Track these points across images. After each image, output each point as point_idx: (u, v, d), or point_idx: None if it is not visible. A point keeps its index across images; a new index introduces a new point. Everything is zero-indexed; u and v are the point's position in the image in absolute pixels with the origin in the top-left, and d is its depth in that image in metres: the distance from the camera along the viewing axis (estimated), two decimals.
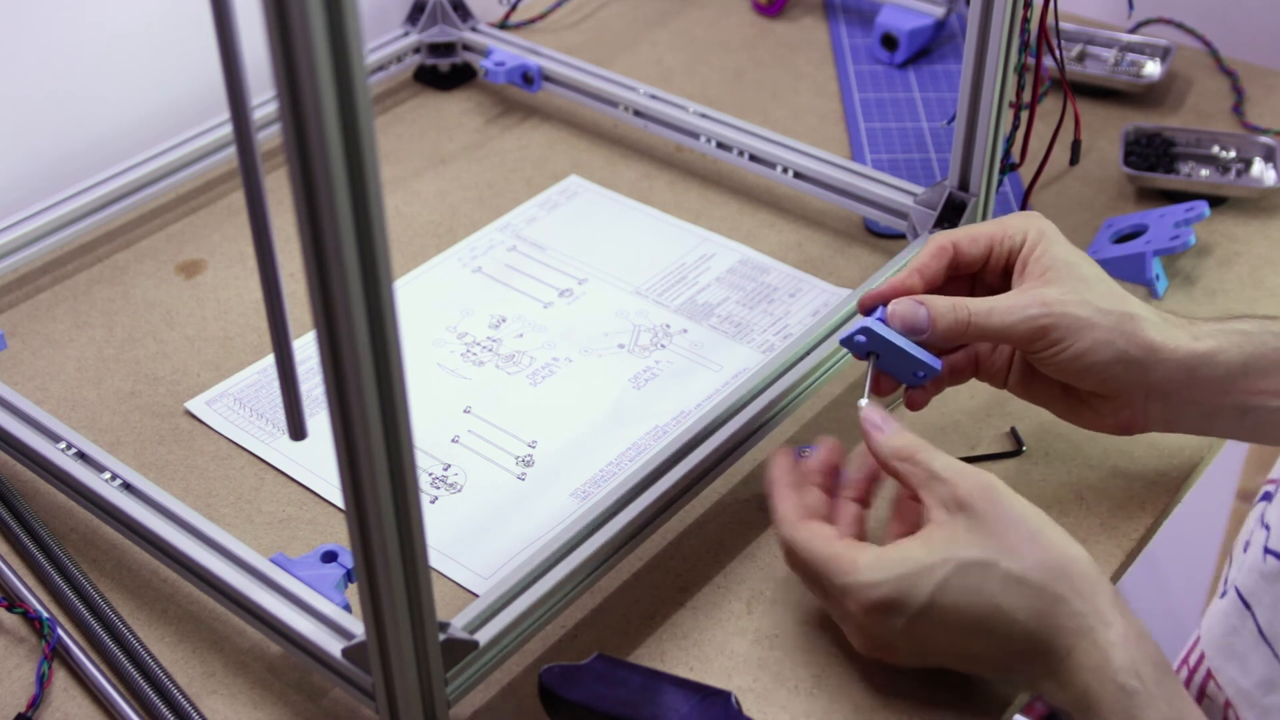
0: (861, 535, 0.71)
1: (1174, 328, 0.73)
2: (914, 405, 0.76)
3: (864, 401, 0.72)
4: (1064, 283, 0.73)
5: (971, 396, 0.88)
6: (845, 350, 0.84)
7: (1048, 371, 0.74)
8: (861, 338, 0.74)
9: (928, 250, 0.76)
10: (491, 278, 0.98)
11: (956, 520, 0.65)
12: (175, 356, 0.92)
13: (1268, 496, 0.74)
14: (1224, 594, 0.75)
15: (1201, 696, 0.75)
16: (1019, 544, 0.64)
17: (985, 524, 0.64)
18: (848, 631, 0.69)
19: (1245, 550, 0.74)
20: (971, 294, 0.77)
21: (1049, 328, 0.72)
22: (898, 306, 0.73)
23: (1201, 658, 0.75)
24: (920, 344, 0.74)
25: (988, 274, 0.78)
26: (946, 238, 0.77)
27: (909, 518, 0.70)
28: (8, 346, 0.92)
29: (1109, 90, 1.17)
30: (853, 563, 0.65)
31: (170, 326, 0.94)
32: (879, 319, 0.74)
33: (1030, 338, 0.72)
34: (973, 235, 0.77)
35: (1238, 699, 0.71)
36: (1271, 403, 0.73)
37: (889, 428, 0.69)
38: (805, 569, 0.69)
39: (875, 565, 0.65)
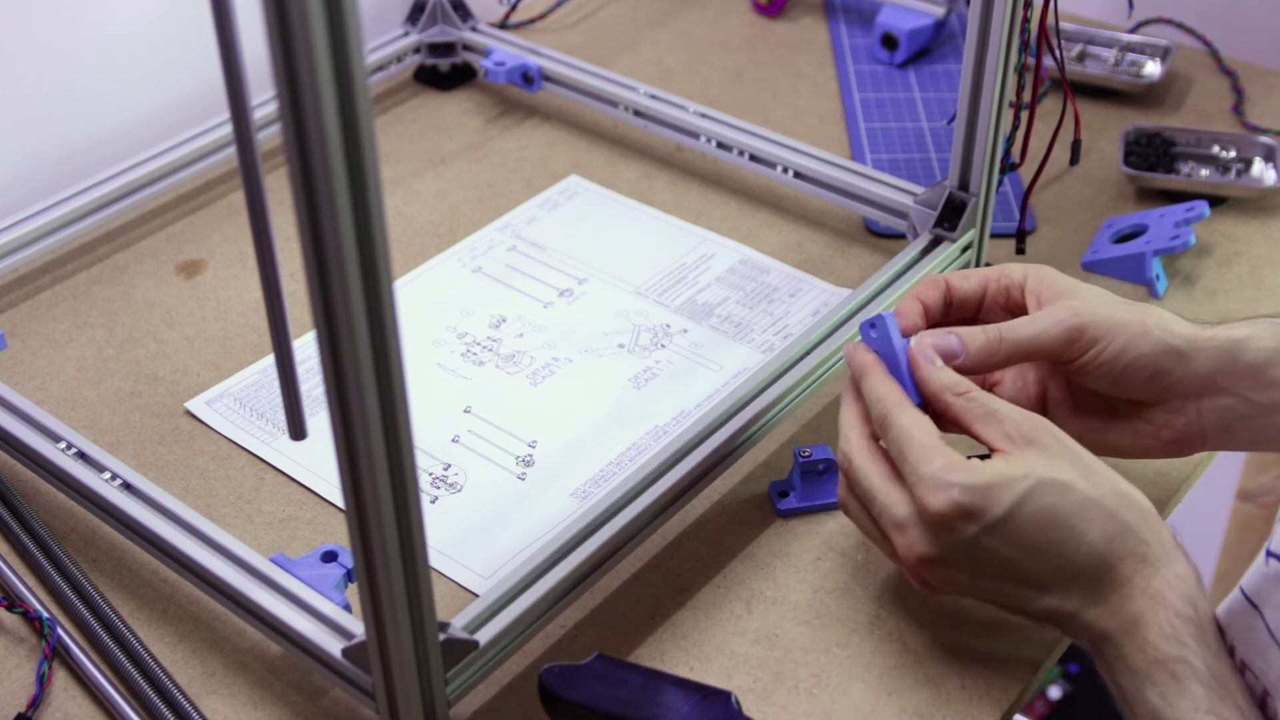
0: None
1: (1200, 323, 0.74)
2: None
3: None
4: (1084, 296, 0.73)
5: None
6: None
7: (1090, 382, 0.73)
8: (874, 332, 0.72)
9: (920, 284, 0.77)
10: (491, 278, 0.98)
11: (1026, 450, 0.66)
12: (175, 356, 0.92)
13: None
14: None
15: None
16: (1090, 473, 0.65)
17: (1054, 454, 0.66)
18: (898, 545, 0.68)
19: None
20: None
21: (1083, 327, 0.71)
22: (926, 337, 0.72)
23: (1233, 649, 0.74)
24: (957, 369, 0.71)
25: (986, 314, 0.77)
26: (937, 275, 0.77)
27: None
28: (8, 346, 0.92)
29: (1109, 90, 1.17)
30: (947, 463, 0.65)
31: (170, 326, 0.94)
32: (896, 323, 0.72)
33: (1066, 342, 0.71)
34: (964, 274, 0.77)
35: (1272, 689, 0.71)
36: None
37: (939, 361, 0.70)
38: (890, 450, 0.68)
39: (965, 469, 0.65)
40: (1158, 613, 0.63)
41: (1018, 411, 0.67)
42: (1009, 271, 0.76)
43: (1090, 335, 0.71)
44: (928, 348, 0.71)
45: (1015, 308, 0.76)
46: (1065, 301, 0.73)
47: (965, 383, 0.69)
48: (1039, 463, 0.65)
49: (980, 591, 0.68)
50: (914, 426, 0.67)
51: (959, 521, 0.65)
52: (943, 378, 0.69)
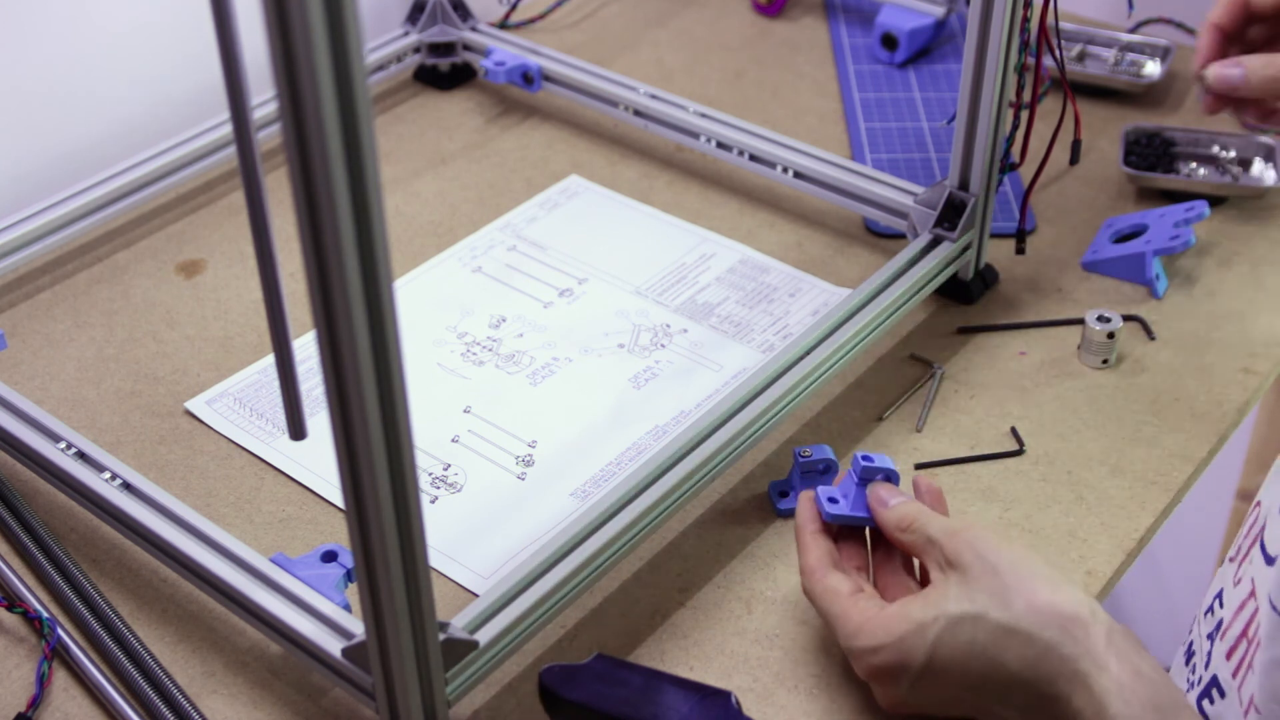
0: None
1: None
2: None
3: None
4: None
5: (971, 397, 0.88)
6: (845, 350, 0.85)
7: None
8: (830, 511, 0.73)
9: (1221, 4, 0.80)
10: (491, 277, 0.98)
11: (949, 578, 0.66)
12: (175, 356, 0.92)
13: None
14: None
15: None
16: (1005, 592, 0.64)
17: (972, 578, 0.65)
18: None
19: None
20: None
21: None
22: (1215, 69, 0.77)
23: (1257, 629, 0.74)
24: (1238, 98, 0.79)
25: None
26: None
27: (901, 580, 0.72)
28: (8, 346, 0.92)
29: (1109, 90, 1.17)
30: (858, 626, 0.67)
31: (170, 326, 0.94)
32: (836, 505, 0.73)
33: None
34: None
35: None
36: None
37: (892, 501, 0.71)
38: (822, 619, 0.70)
39: (875, 630, 0.66)
40: None
41: (949, 533, 0.67)
42: None
43: None
44: (883, 491, 0.72)
45: None
46: None
47: (907, 517, 0.70)
48: (954, 593, 0.65)
49: (952, 709, 0.68)
50: (824, 597, 0.69)
51: (887, 679, 0.66)
52: (890, 517, 0.71)
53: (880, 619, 0.66)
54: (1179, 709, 0.61)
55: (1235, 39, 0.82)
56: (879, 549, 0.73)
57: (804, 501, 0.74)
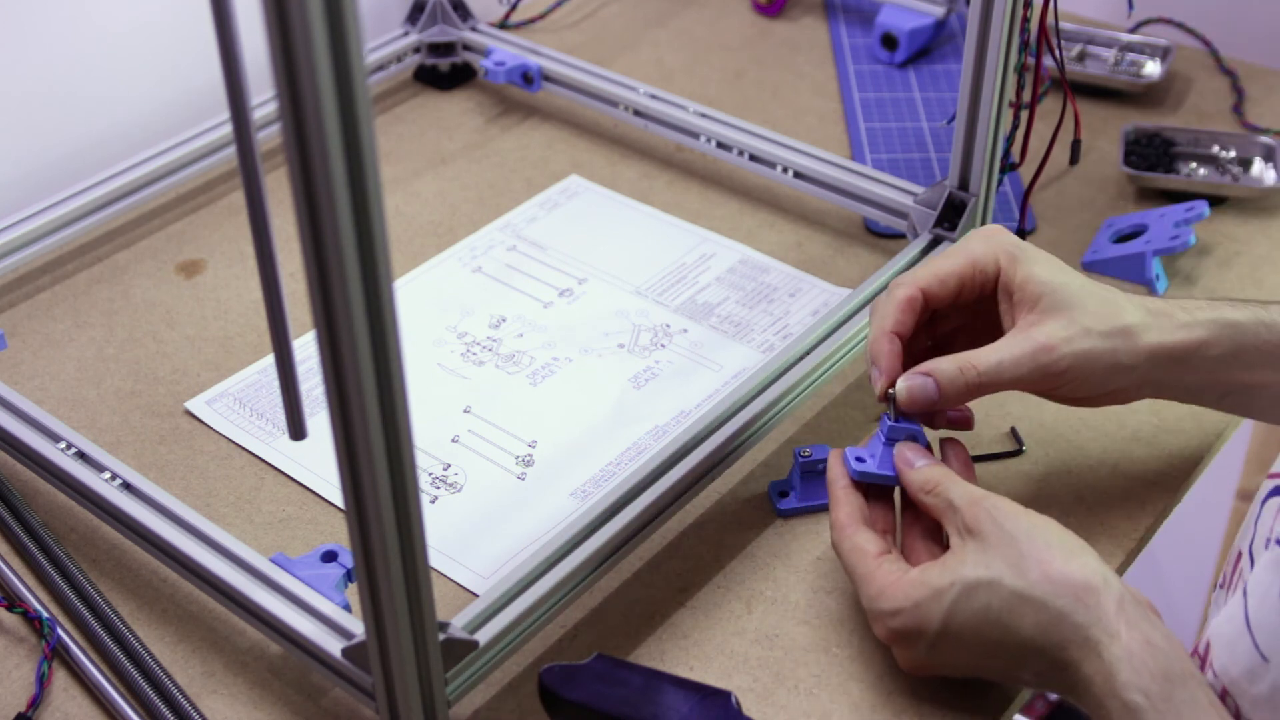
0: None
1: (1165, 320, 0.74)
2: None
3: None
4: (1059, 312, 0.73)
5: None
6: (845, 350, 0.85)
7: (1056, 399, 0.76)
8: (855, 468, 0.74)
9: (896, 306, 0.75)
10: (491, 277, 0.98)
11: (967, 545, 0.67)
12: (175, 356, 0.92)
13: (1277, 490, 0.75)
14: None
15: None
16: (1021, 561, 0.65)
17: (990, 545, 0.66)
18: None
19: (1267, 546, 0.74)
20: (937, 327, 0.78)
21: (1062, 371, 0.72)
22: (903, 384, 0.73)
23: (1209, 645, 0.74)
24: (936, 406, 0.74)
25: (960, 307, 0.77)
26: (913, 286, 0.75)
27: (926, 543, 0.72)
28: (8, 346, 0.92)
29: (1109, 90, 1.17)
30: (880, 590, 0.68)
31: (170, 326, 0.94)
32: (861, 462, 0.74)
33: (1043, 383, 0.73)
34: (941, 278, 0.76)
35: (1231, 688, 0.71)
36: (1255, 389, 0.76)
37: (918, 463, 0.72)
38: (847, 575, 0.71)
39: (896, 594, 0.67)
40: (1113, 704, 0.62)
41: (970, 500, 0.68)
42: (982, 266, 0.76)
43: (1067, 376, 0.73)
44: (909, 451, 0.73)
45: (989, 300, 0.76)
46: (1041, 333, 0.73)
47: (931, 480, 0.71)
48: (971, 560, 0.66)
49: (969, 672, 0.69)
50: (852, 555, 0.70)
51: (904, 643, 0.68)
52: (915, 478, 0.72)
53: (901, 584, 0.67)
54: (1188, 678, 0.62)
55: (915, 341, 0.76)
56: (907, 511, 0.73)
57: (834, 459, 0.75)
